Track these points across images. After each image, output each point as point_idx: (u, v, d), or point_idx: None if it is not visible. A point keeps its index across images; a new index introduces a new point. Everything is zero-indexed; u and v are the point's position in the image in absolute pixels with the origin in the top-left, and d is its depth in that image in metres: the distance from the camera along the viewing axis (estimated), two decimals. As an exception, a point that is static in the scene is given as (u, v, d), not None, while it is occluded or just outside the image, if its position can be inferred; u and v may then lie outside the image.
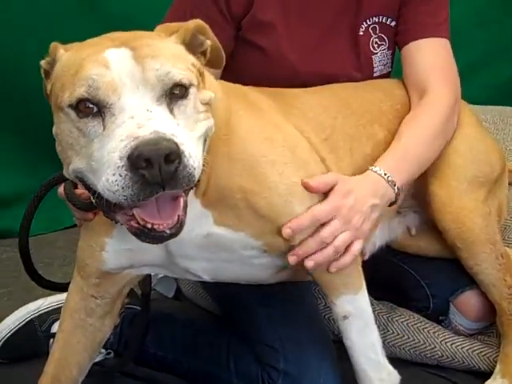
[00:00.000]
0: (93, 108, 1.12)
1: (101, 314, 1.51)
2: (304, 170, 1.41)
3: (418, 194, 1.76)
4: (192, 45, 1.26)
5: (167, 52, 1.17)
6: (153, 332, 1.81)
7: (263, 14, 1.72)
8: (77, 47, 1.22)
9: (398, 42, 1.84)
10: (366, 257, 1.74)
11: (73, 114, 1.13)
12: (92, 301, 1.49)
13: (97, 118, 1.12)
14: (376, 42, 1.82)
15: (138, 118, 1.08)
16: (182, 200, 1.15)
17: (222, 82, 1.46)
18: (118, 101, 1.10)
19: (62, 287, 1.59)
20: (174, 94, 1.14)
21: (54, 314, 1.88)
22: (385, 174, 1.53)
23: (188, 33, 1.25)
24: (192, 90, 1.17)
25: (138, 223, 1.13)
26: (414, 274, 1.89)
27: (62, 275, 2.44)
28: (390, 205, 1.57)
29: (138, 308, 1.81)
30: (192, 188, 1.18)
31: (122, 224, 1.18)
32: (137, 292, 1.76)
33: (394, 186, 1.53)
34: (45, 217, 2.52)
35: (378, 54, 1.83)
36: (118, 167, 1.05)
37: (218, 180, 1.32)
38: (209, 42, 1.29)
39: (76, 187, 1.43)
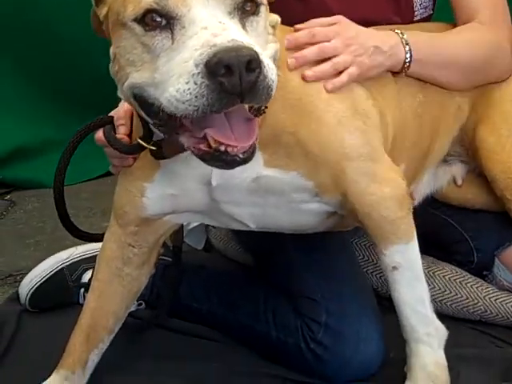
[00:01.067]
0: (160, 21, 1.06)
1: (138, 264, 1.47)
2: (351, 99, 1.37)
3: (466, 140, 1.69)
4: None
5: None
6: (185, 284, 1.78)
7: None
8: None
9: None
10: (416, 202, 1.69)
11: (138, 27, 1.07)
12: (129, 249, 1.45)
13: (165, 32, 1.06)
14: None
15: (212, 28, 1.01)
16: (256, 122, 1.09)
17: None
18: (188, 12, 1.04)
19: (98, 238, 1.54)
20: (246, 9, 1.09)
21: (85, 263, 1.85)
22: (402, 34, 1.49)
23: None
24: (262, 8, 1.13)
25: (209, 146, 1.05)
26: (458, 226, 1.83)
27: (89, 226, 2.39)
28: (397, 73, 1.52)
29: (169, 259, 1.77)
30: (262, 110, 1.12)
31: (186, 147, 1.11)
32: (167, 243, 1.72)
33: (408, 48, 1.48)
34: (69, 167, 2.50)
35: None
36: (193, 75, 0.98)
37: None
38: None
39: (115, 132, 1.38)
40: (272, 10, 1.62)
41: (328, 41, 1.39)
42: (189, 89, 0.98)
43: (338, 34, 1.41)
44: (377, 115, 1.43)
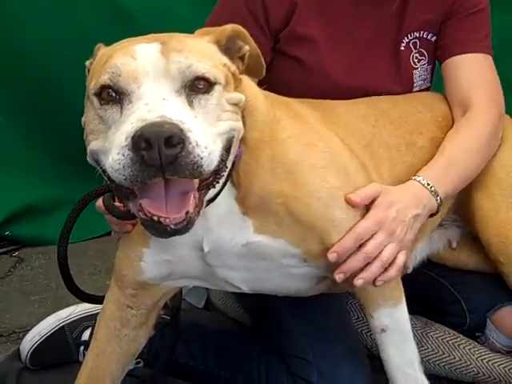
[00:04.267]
0: (115, 96, 1.14)
1: (136, 325, 1.51)
2: (344, 174, 1.40)
3: (460, 207, 1.74)
4: (229, 49, 1.27)
5: (196, 48, 1.19)
6: (183, 342, 1.80)
7: (303, 27, 1.72)
8: (115, 44, 1.25)
9: (438, 56, 1.82)
10: (410, 270, 1.72)
11: (96, 101, 1.17)
12: (128, 311, 1.49)
13: (115, 106, 1.14)
14: (416, 57, 1.81)
15: (152, 104, 1.09)
16: (191, 196, 1.13)
17: (265, 91, 1.45)
18: (138, 90, 1.12)
19: (100, 300, 1.58)
20: (198, 88, 1.15)
21: (86, 321, 1.88)
22: (428, 184, 1.52)
23: (223, 35, 1.26)
24: (217, 88, 1.17)
25: (145, 215, 1.12)
26: (451, 288, 1.86)
27: (92, 283, 2.46)
28: (432, 215, 1.55)
29: (168, 318, 1.79)
30: (210, 184, 1.17)
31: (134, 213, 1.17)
32: (167, 302, 1.76)
33: (437, 196, 1.52)
34: (76, 225, 2.55)
35: (419, 69, 1.82)
36: (122, 147, 1.06)
37: (258, 185, 1.31)
38: (247, 48, 1.29)
39: (114, 200, 1.44)
40: (273, 75, 1.70)
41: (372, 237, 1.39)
42: (118, 159, 1.06)
43: (380, 223, 1.39)
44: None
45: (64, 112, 2.90)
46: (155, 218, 1.11)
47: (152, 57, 1.14)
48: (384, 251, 1.38)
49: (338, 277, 1.37)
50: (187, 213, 1.12)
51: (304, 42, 1.74)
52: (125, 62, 1.14)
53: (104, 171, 1.16)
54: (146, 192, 1.12)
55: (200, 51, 1.19)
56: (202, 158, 1.06)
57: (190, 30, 1.31)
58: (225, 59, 1.25)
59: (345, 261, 1.37)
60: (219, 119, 1.17)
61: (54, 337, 1.87)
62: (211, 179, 1.17)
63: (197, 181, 1.14)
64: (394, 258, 1.40)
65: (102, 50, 1.26)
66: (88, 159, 1.24)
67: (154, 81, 1.12)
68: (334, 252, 1.34)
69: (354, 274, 1.38)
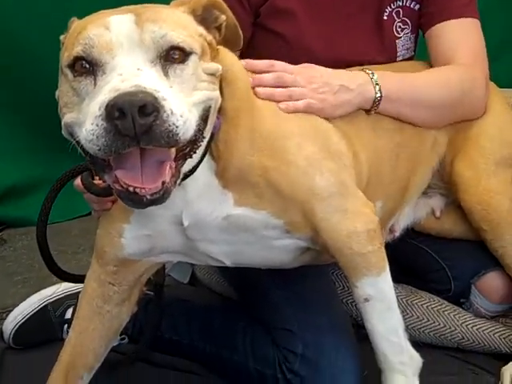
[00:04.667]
0: (88, 68, 1.12)
1: (118, 302, 1.50)
2: (322, 140, 1.40)
3: (444, 174, 1.74)
4: (205, 19, 1.26)
5: (170, 18, 1.17)
6: (168, 317, 1.80)
7: (284, 1, 1.70)
8: (88, 16, 1.22)
9: (422, 24, 1.80)
10: (397, 234, 1.74)
11: (69, 73, 1.15)
12: (109, 288, 1.48)
13: (89, 77, 1.13)
14: (399, 26, 1.79)
15: (126, 74, 1.07)
16: (167, 166, 1.11)
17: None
18: (112, 60, 1.11)
19: (81, 279, 1.57)
20: (173, 57, 1.14)
21: (69, 299, 1.88)
22: (372, 73, 1.52)
23: (198, 5, 1.24)
24: (193, 57, 1.16)
25: (121, 186, 1.10)
26: (435, 255, 1.85)
27: (76, 262, 2.45)
28: (369, 111, 1.54)
29: (152, 293, 1.79)
30: (187, 154, 1.16)
31: (109, 184, 1.16)
32: (151, 278, 1.75)
33: (377, 85, 1.51)
34: (59, 205, 2.53)
35: (402, 38, 1.80)
36: (96, 117, 1.04)
37: (238, 156, 1.29)
38: (223, 17, 1.28)
39: (93, 178, 1.42)
40: (254, 51, 1.68)
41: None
42: (92, 129, 1.04)
43: (300, 72, 1.44)
44: (350, 154, 1.46)
45: (44, 91, 2.87)
46: (131, 188, 1.09)
47: (126, 27, 1.12)
48: (297, 88, 1.41)
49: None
50: (163, 183, 1.10)
51: (284, 16, 1.71)
52: (98, 33, 1.12)
53: (78, 143, 1.13)
54: (121, 163, 1.10)
55: (175, 21, 1.17)
56: (177, 127, 1.05)
57: (166, 2, 1.29)
58: (201, 29, 1.24)
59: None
60: (195, 89, 1.16)
61: (38, 316, 1.86)
62: (188, 149, 1.16)
63: (173, 151, 1.12)
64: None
65: (75, 23, 1.24)
66: (63, 132, 1.22)
67: (129, 51, 1.11)
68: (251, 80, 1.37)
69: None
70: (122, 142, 1.03)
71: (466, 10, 1.74)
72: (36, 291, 1.95)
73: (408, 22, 1.80)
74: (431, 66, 1.75)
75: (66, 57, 1.16)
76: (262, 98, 1.38)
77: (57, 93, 1.22)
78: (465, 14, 1.74)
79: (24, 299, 1.92)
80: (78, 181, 1.46)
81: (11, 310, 1.92)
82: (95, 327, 1.49)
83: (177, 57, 1.14)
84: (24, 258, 2.55)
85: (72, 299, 1.86)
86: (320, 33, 1.72)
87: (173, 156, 1.13)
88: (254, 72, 1.41)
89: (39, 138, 2.95)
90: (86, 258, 2.48)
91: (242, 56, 1.45)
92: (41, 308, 1.87)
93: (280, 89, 1.40)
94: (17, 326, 1.84)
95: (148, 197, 1.09)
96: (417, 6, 1.79)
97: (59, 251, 2.49)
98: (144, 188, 1.09)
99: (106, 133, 1.03)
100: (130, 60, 1.10)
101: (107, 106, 1.02)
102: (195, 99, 1.15)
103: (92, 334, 1.49)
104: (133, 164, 1.10)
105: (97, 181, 1.42)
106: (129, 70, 1.08)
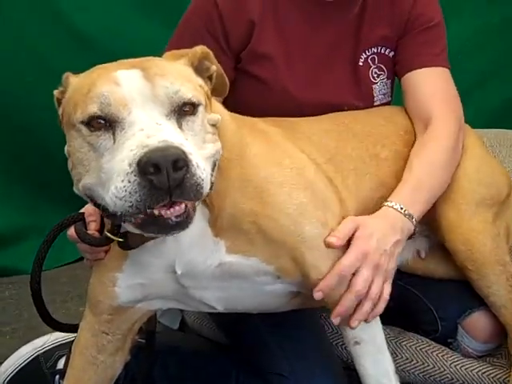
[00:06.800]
0: (104, 123, 1.15)
1: (112, 351, 1.51)
2: (311, 190, 1.43)
3: (427, 218, 1.77)
4: (199, 69, 1.30)
5: (176, 72, 1.22)
6: (160, 365, 1.80)
7: (263, 46, 1.75)
8: (88, 72, 1.26)
9: (397, 71, 1.86)
10: None
11: (84, 128, 1.16)
12: (103, 337, 1.49)
13: (107, 132, 1.15)
14: (375, 72, 1.85)
15: (148, 129, 1.11)
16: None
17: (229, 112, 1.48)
18: (129, 116, 1.13)
19: (75, 329, 1.57)
20: (184, 110, 1.18)
21: (60, 349, 1.86)
22: (401, 209, 1.54)
23: (195, 57, 1.29)
24: (200, 109, 1.21)
25: (145, 214, 1.11)
26: (422, 297, 1.88)
27: (66, 310, 2.44)
28: (410, 237, 1.58)
29: (143, 341, 1.79)
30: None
31: (130, 230, 1.18)
32: (142, 326, 1.75)
33: (412, 218, 1.55)
34: (48, 253, 2.54)
35: (378, 84, 1.86)
36: (127, 173, 1.07)
37: (230, 204, 1.33)
38: (214, 68, 1.33)
39: (86, 228, 1.44)
40: (236, 95, 1.73)
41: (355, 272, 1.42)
42: (124, 186, 1.07)
43: (362, 257, 1.41)
44: (337, 203, 1.50)
45: (29, 138, 2.89)
46: (156, 211, 1.11)
47: (137, 82, 1.16)
48: (372, 287, 1.41)
49: (335, 320, 1.40)
50: (186, 206, 1.13)
51: (263, 61, 1.76)
52: (111, 90, 1.15)
53: (96, 204, 1.18)
54: None
55: (181, 75, 1.22)
56: (202, 180, 1.10)
57: (148, 53, 1.33)
58: (200, 80, 1.29)
59: (339, 303, 1.40)
60: (204, 141, 1.21)
61: (29, 367, 1.85)
62: None
63: None
64: (381, 292, 1.43)
65: (74, 79, 1.27)
66: (75, 189, 1.24)
67: (143, 106, 1.14)
68: (319, 291, 1.38)
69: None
70: (156, 196, 1.07)
71: (437, 59, 1.81)
72: (25, 342, 1.93)
73: (383, 68, 1.85)
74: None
75: (78, 114, 1.17)
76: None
77: (66, 148, 1.24)
78: (436, 63, 1.80)
79: (13, 350, 1.91)
80: (71, 231, 1.47)
81: (1, 362, 1.91)
82: (89, 378, 1.50)
83: (187, 109, 1.18)
84: (12, 308, 2.54)
85: (63, 349, 1.84)
86: (298, 76, 1.77)
87: None
88: (328, 289, 1.40)
89: (24, 186, 2.96)
90: (74, 307, 2.49)
91: (224, 99, 1.49)
92: (32, 359, 1.85)
93: (365, 308, 1.42)
94: (8, 378, 1.83)
95: (173, 219, 1.11)
96: (391, 53, 1.86)
97: (48, 299, 2.44)
98: (169, 209, 1.11)
99: (139, 188, 1.06)
100: (146, 115, 1.13)
101: (140, 161, 1.06)
102: (207, 153, 1.20)
103: None
104: None
105: (91, 231, 1.44)
106: (149, 124, 1.12)
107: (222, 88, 1.39)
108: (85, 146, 1.17)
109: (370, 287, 1.41)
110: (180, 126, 1.16)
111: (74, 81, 1.26)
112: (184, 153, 1.07)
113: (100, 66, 1.26)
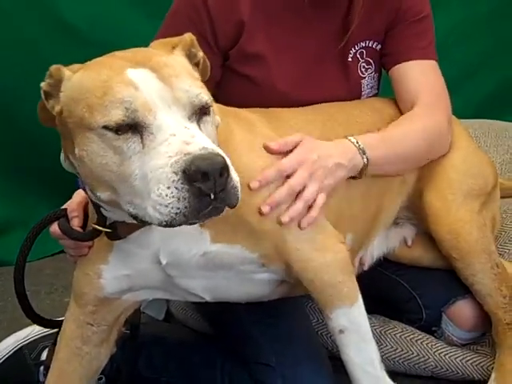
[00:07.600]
0: (129, 127, 1.13)
1: (97, 342, 1.50)
2: None
3: (413, 206, 1.79)
4: (189, 57, 1.30)
5: (185, 71, 1.22)
6: (144, 355, 1.80)
7: (251, 45, 1.74)
8: (87, 68, 1.22)
9: (385, 63, 1.86)
10: (366, 267, 1.76)
11: (109, 133, 1.14)
12: (88, 328, 1.49)
13: (135, 136, 1.14)
14: (364, 67, 1.85)
15: (181, 135, 1.11)
16: None
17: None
18: (155, 120, 1.13)
19: (58, 324, 1.57)
20: (202, 112, 1.19)
21: (44, 341, 1.85)
22: (357, 142, 1.56)
23: (187, 46, 1.30)
24: (211, 109, 1.22)
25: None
26: (406, 285, 1.89)
27: (50, 302, 2.43)
28: (356, 177, 1.58)
29: (128, 332, 1.79)
30: None
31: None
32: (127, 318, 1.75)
33: (364, 154, 1.55)
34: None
35: (366, 78, 1.85)
36: (174, 181, 1.08)
37: None
38: (201, 54, 1.33)
39: (69, 223, 1.44)
40: (225, 93, 1.72)
41: (294, 173, 1.43)
42: (171, 193, 1.08)
43: (302, 162, 1.44)
44: None
45: (13, 131, 2.87)
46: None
47: (154, 85, 1.15)
48: (306, 190, 1.42)
49: (264, 209, 1.37)
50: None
51: (253, 60, 1.75)
52: (132, 95, 1.13)
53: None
54: None
55: (189, 74, 1.22)
56: (237, 181, 1.13)
57: (136, 44, 1.31)
58: (196, 74, 1.28)
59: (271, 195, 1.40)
60: (216, 138, 1.23)
61: (13, 358, 1.84)
62: None
63: None
64: (315, 200, 1.44)
65: (75, 76, 1.21)
66: (93, 197, 1.26)
67: (166, 110, 1.14)
68: (255, 181, 1.38)
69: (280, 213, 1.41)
70: (203, 202, 1.09)
71: (425, 52, 1.81)
72: (9, 333, 1.93)
73: (371, 61, 1.85)
74: (395, 102, 1.82)
75: (99, 118, 1.13)
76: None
77: (78, 151, 1.19)
78: (424, 56, 1.80)
79: (-2, 342, 1.90)
80: (54, 227, 1.46)
81: (-15, 353, 1.90)
82: (74, 369, 1.49)
83: (205, 111, 1.20)
84: (-4, 300, 2.53)
85: (47, 340, 1.83)
86: (288, 74, 1.76)
87: None
88: (268, 183, 1.40)
89: (8, 178, 2.94)
90: (59, 298, 2.48)
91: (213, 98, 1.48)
92: (16, 351, 1.84)
93: (298, 206, 1.41)
94: (-7, 369, 1.82)
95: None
96: (378, 46, 1.85)
97: (32, 291, 2.45)
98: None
99: (189, 194, 1.08)
100: (172, 119, 1.13)
101: (187, 169, 1.06)
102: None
103: (71, 376, 1.49)
104: None
105: (74, 227, 1.43)
106: (179, 129, 1.12)
107: (204, 72, 1.38)
108: (109, 149, 1.14)
109: (303, 190, 1.42)
110: (200, 129, 1.17)
111: (72, 78, 1.21)
112: (224, 159, 1.10)
113: (98, 61, 1.23)
